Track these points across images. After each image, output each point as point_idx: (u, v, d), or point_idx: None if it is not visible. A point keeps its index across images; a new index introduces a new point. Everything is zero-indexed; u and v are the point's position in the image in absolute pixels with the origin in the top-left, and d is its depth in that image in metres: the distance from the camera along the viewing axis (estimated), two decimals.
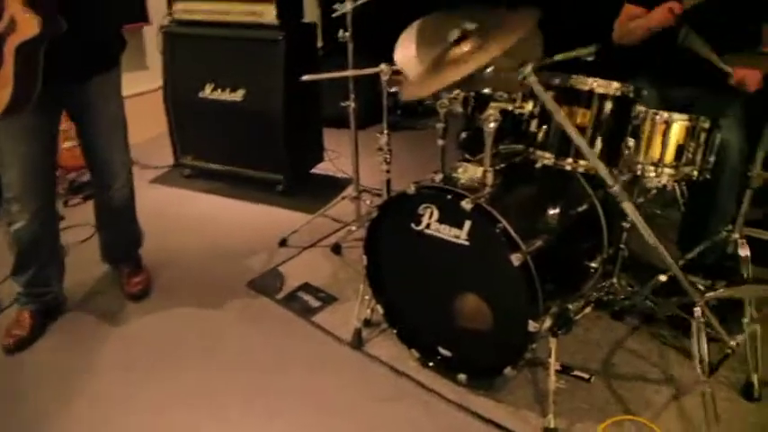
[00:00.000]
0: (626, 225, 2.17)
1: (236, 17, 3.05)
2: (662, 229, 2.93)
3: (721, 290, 1.98)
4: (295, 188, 3.29)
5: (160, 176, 3.62)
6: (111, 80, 2.15)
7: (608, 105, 1.69)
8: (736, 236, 2.01)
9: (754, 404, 1.86)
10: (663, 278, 2.21)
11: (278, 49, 3.00)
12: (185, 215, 3.18)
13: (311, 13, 4.43)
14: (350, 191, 2.85)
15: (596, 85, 1.68)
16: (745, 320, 1.93)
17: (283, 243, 2.82)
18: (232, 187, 3.39)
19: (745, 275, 1.97)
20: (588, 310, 2.13)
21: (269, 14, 2.97)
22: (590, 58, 1.89)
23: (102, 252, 2.57)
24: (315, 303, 2.40)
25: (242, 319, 2.33)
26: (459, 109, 2.13)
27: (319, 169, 3.53)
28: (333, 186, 3.33)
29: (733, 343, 1.76)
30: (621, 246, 2.21)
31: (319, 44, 3.64)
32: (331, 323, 2.28)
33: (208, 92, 3.21)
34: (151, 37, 3.76)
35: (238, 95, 3.15)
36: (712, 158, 1.88)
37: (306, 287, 2.50)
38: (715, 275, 2.13)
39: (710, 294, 1.81)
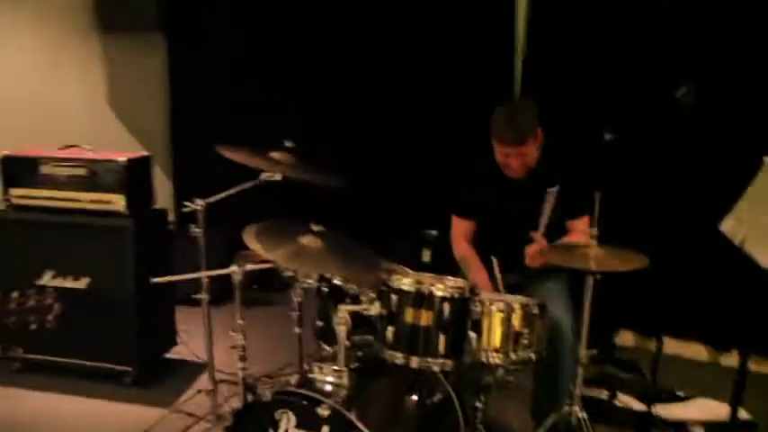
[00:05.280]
0: (480, 405, 2.26)
1: (82, 205, 2.97)
2: (516, 396, 3.07)
3: None
4: (145, 379, 3.06)
5: None
6: None
7: (447, 306, 1.81)
8: (576, 409, 2.16)
9: None
10: None
11: (127, 237, 2.93)
12: (13, 416, 2.80)
13: (162, 187, 4.32)
14: (205, 381, 2.70)
15: (435, 288, 1.81)
16: None
17: None
18: (71, 382, 3.06)
19: None
20: None
21: (118, 204, 2.92)
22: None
23: None
24: None
25: None
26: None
27: (172, 353, 3.34)
28: (187, 373, 3.15)
29: None
30: (478, 425, 2.29)
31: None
32: None
33: (47, 279, 3.01)
34: None
35: (82, 283, 2.98)
36: (545, 341, 2.06)
37: None
38: None
39: None
